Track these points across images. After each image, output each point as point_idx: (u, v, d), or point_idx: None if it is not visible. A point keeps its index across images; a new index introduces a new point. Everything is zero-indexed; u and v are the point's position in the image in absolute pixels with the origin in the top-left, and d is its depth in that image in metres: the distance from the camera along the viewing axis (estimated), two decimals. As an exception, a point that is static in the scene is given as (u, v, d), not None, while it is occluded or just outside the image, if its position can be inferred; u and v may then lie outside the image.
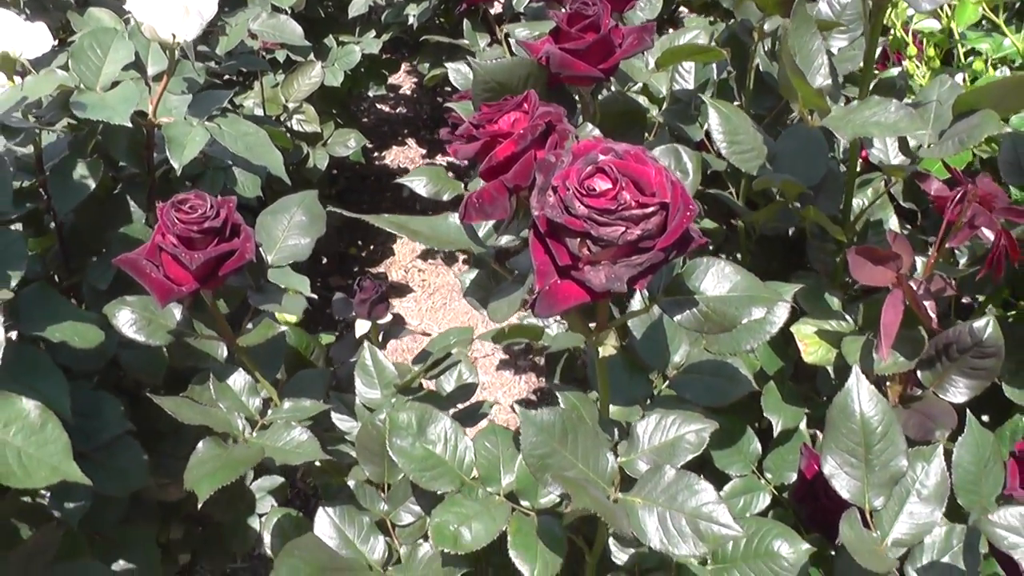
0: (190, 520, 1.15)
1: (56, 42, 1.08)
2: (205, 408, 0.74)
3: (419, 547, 0.82)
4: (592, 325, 0.60)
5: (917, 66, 1.03)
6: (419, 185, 1.11)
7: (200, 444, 0.72)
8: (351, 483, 0.84)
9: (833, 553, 0.82)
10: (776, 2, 0.85)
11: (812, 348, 0.87)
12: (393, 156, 2.58)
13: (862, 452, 0.67)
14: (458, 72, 1.18)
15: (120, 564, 0.90)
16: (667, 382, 0.78)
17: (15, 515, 0.79)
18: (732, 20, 1.02)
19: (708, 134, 0.91)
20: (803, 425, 0.93)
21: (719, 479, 0.91)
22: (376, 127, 2.67)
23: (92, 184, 0.87)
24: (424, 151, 2.59)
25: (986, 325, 0.77)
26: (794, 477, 0.88)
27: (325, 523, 0.80)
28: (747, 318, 0.58)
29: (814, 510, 0.82)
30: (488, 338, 0.84)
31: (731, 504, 0.88)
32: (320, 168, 1.78)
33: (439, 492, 0.76)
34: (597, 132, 0.84)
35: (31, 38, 0.88)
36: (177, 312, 0.78)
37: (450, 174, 1.15)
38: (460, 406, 0.96)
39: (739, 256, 1.07)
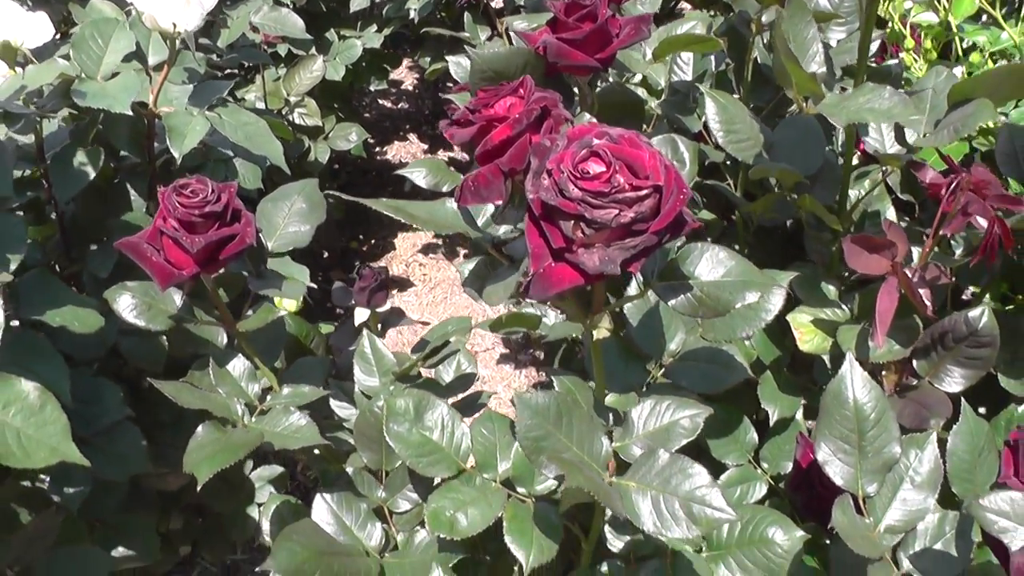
0: (190, 510, 1.15)
1: (58, 36, 1.08)
2: (204, 393, 0.75)
3: (416, 534, 0.82)
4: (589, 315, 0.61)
5: (915, 59, 1.03)
6: (419, 176, 1.11)
7: (199, 428, 0.72)
8: (349, 470, 0.85)
9: (828, 542, 0.82)
10: (773, -7, 0.85)
11: (808, 337, 0.87)
12: (395, 151, 2.58)
13: (855, 439, 0.68)
14: (459, 65, 1.19)
15: (120, 551, 0.90)
16: (663, 370, 0.79)
17: (15, 500, 0.79)
18: (731, 13, 1.03)
19: (706, 125, 0.91)
20: (800, 415, 0.94)
21: (716, 468, 0.91)
22: (378, 122, 2.67)
23: (92, 172, 0.87)
24: (426, 146, 2.59)
25: (981, 314, 0.77)
26: (790, 467, 0.89)
27: (323, 509, 0.80)
28: (741, 302, 0.59)
29: (809, 498, 0.82)
30: (486, 327, 0.84)
31: (727, 494, 0.89)
32: (321, 161, 1.79)
33: (436, 478, 0.77)
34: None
35: (33, 28, 0.89)
36: (177, 298, 0.78)
37: (451, 168, 1.15)
38: (459, 396, 0.97)
39: (737, 248, 1.07)
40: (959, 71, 1.00)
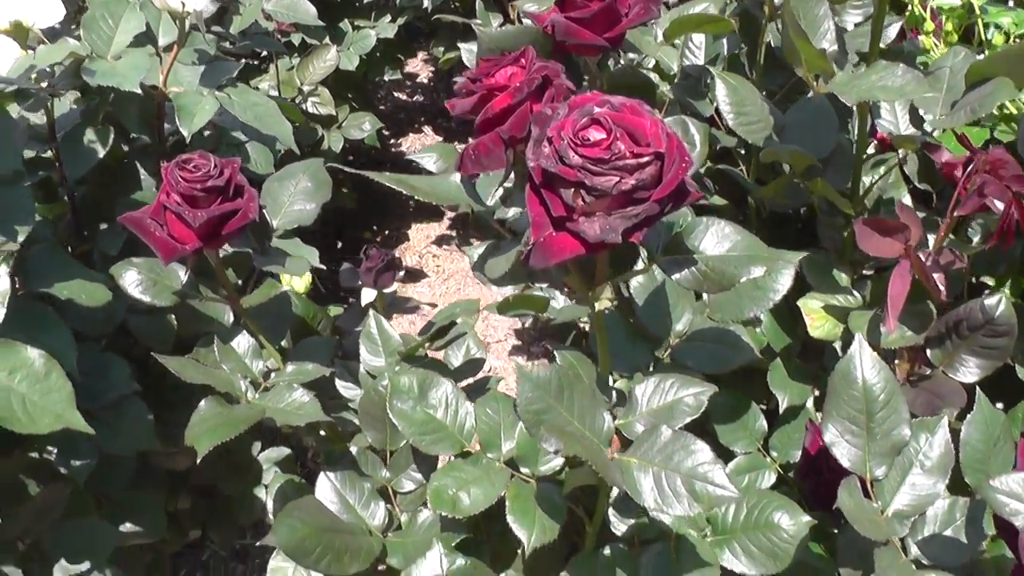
0: (198, 491, 1.16)
1: (73, 26, 1.09)
2: (208, 368, 0.75)
3: (419, 513, 0.82)
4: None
5: (935, 44, 1.01)
6: (429, 161, 1.11)
7: (202, 403, 0.72)
8: (353, 450, 0.85)
9: (836, 531, 0.81)
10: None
11: (818, 323, 0.86)
12: (409, 143, 2.58)
13: (864, 420, 0.67)
14: (470, 52, 1.19)
15: (127, 527, 0.91)
16: (669, 351, 0.78)
17: (23, 471, 0.80)
18: (745, -3, 1.02)
19: (718, 110, 0.90)
20: (810, 403, 0.92)
21: (724, 456, 0.90)
22: (393, 114, 2.67)
23: (101, 151, 0.88)
24: (441, 138, 2.59)
25: (998, 302, 0.76)
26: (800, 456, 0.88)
27: (326, 488, 0.80)
28: (746, 276, 0.58)
29: (817, 485, 0.81)
30: (493, 309, 0.84)
31: (736, 482, 0.87)
32: (335, 150, 1.79)
33: (440, 457, 0.77)
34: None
35: (44, 8, 0.90)
36: (183, 275, 0.78)
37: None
38: (468, 381, 0.96)
39: (749, 234, 1.06)
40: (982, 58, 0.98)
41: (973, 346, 0.79)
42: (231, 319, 0.85)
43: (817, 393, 0.93)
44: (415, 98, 2.79)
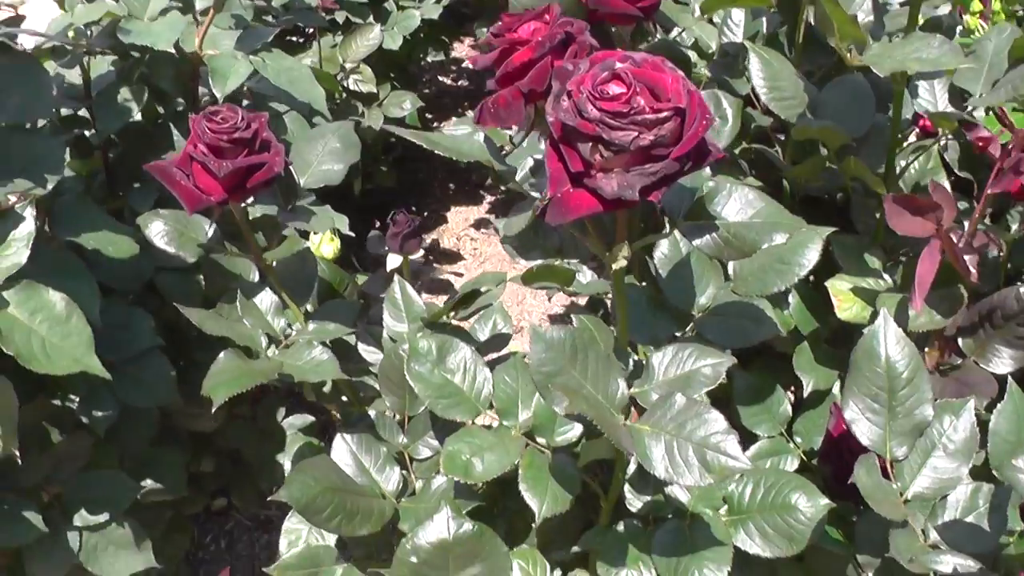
0: (222, 455, 1.17)
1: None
2: (229, 322, 0.75)
3: (433, 480, 0.82)
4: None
5: (981, 25, 0.99)
6: (460, 133, 1.11)
7: (221, 355, 0.73)
8: (372, 414, 0.85)
9: (855, 519, 0.79)
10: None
11: (847, 304, 0.84)
12: (452, 127, 2.59)
13: (885, 397, 0.65)
14: (509, 27, 1.18)
15: (148, 483, 0.92)
16: (691, 324, 0.77)
17: (47, 418, 0.81)
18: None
19: (754, 90, 0.89)
20: (836, 389, 0.90)
21: (747, 439, 0.89)
22: (437, 98, 2.67)
23: (135, 108, 0.89)
24: (482, 124, 2.59)
25: (1035, 291, 0.73)
26: (823, 441, 0.86)
27: (342, 450, 0.81)
28: (768, 243, 0.57)
29: (838, 468, 0.79)
30: (518, 280, 0.83)
31: (758, 466, 0.86)
32: (375, 128, 1.79)
33: (456, 421, 0.76)
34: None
35: (85, -33, 0.91)
36: (209, 230, 0.79)
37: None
38: (493, 356, 0.96)
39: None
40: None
41: (1008, 336, 0.77)
42: (256, 276, 0.86)
43: (843, 377, 0.91)
44: (460, 83, 2.79)
